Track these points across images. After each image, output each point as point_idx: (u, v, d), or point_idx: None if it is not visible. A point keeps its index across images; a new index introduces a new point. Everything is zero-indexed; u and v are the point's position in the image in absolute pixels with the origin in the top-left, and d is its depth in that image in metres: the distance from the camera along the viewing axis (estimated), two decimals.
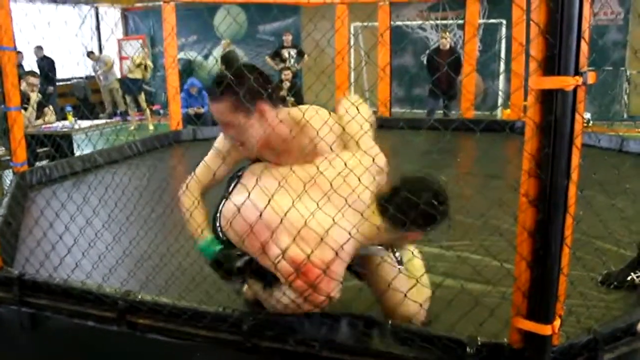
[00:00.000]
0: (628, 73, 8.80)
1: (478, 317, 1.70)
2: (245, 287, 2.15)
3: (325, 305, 1.72)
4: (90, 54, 10.50)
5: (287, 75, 8.65)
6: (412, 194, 1.61)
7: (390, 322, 1.73)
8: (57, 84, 10.10)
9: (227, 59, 9.97)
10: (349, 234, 1.64)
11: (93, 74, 10.85)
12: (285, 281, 1.68)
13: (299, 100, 8.57)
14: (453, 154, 1.78)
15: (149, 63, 9.92)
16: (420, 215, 1.60)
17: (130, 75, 9.45)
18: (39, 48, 9.74)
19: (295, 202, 1.66)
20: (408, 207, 1.60)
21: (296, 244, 1.63)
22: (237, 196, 1.80)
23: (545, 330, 1.50)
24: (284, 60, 8.99)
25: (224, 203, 1.85)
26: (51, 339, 2.18)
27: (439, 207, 1.61)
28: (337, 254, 1.63)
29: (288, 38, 9.08)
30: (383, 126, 1.85)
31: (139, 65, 9.37)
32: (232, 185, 1.91)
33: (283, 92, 8.64)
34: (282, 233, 1.65)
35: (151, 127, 9.35)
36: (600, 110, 8.46)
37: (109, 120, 7.76)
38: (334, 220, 1.63)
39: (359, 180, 1.68)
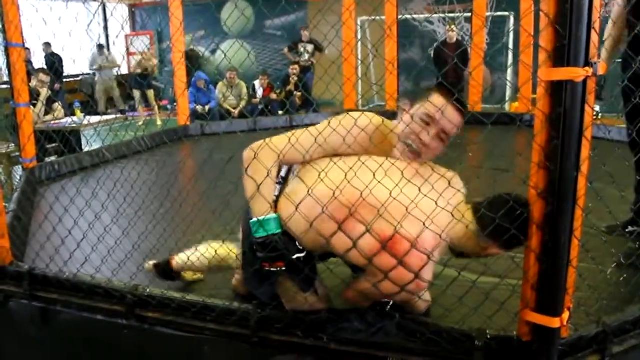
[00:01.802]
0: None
1: (488, 311, 1.69)
2: (235, 280, 2.14)
3: (414, 291, 1.62)
4: (101, 47, 10.54)
5: (294, 70, 8.66)
6: (516, 210, 1.52)
7: (399, 315, 1.73)
8: (66, 80, 10.15)
9: (189, 57, 9.97)
10: (451, 215, 1.61)
11: (91, 68, 10.83)
12: (365, 262, 1.60)
13: (307, 94, 8.59)
14: (463, 147, 1.76)
15: (153, 62, 9.88)
16: (518, 233, 1.53)
17: (138, 71, 9.48)
18: (47, 45, 9.78)
19: (377, 180, 1.61)
20: (511, 221, 1.53)
21: (383, 219, 1.57)
22: (306, 178, 1.71)
23: (553, 322, 1.49)
24: (299, 55, 9.06)
25: (283, 189, 1.76)
26: (61, 333, 2.19)
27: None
28: (424, 224, 1.57)
29: (306, 33, 9.18)
30: (392, 120, 1.83)
31: (146, 69, 9.39)
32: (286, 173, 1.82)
33: (291, 87, 8.66)
34: (365, 209, 1.59)
35: (159, 123, 9.36)
36: (610, 103, 8.39)
37: (117, 116, 7.79)
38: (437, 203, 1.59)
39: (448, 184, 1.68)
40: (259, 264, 1.69)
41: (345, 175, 1.62)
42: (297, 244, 1.69)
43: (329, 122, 1.75)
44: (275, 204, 1.72)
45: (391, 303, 1.74)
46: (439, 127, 1.71)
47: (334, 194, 1.61)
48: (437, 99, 1.70)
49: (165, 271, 2.26)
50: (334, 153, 1.75)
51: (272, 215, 1.68)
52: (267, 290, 1.81)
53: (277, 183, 1.76)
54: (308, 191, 1.65)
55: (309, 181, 1.68)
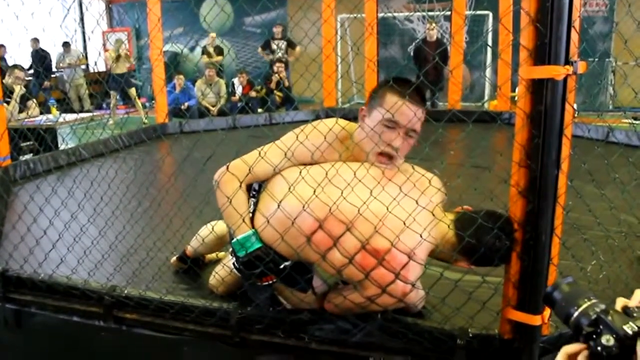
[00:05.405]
0: (614, 64, 8.85)
1: (470, 310, 1.69)
2: (214, 279, 2.12)
3: (399, 296, 1.61)
4: (66, 44, 10.26)
5: (279, 67, 8.59)
6: (499, 237, 1.52)
7: (380, 315, 1.72)
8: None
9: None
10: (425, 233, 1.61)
11: (58, 66, 10.60)
12: (360, 276, 1.60)
13: (287, 91, 8.54)
14: (443, 146, 1.75)
15: (127, 53, 9.62)
16: (489, 254, 1.54)
17: (117, 71, 9.25)
18: (35, 40, 9.57)
19: (365, 195, 1.60)
20: (490, 249, 1.54)
21: (379, 234, 1.57)
22: (275, 190, 1.70)
23: (534, 320, 1.50)
24: (273, 52, 8.98)
25: (258, 202, 1.75)
26: (36, 336, 2.14)
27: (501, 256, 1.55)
28: (421, 237, 1.58)
29: (278, 30, 9.09)
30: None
31: (118, 58, 9.14)
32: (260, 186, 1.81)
33: (272, 85, 8.61)
34: (360, 225, 1.59)
35: (145, 120, 9.09)
36: (587, 101, 8.51)
37: (94, 114, 7.65)
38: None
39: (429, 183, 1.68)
40: (254, 281, 1.70)
41: (314, 191, 1.62)
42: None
43: (298, 133, 1.75)
44: (253, 218, 1.73)
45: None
46: (404, 126, 1.68)
47: (303, 207, 1.61)
48: (392, 99, 1.66)
49: (187, 261, 2.29)
50: (306, 162, 1.75)
51: (249, 232, 1.68)
52: (266, 300, 1.81)
53: (251, 197, 1.77)
54: (278, 205, 1.64)
55: (278, 193, 1.68)
